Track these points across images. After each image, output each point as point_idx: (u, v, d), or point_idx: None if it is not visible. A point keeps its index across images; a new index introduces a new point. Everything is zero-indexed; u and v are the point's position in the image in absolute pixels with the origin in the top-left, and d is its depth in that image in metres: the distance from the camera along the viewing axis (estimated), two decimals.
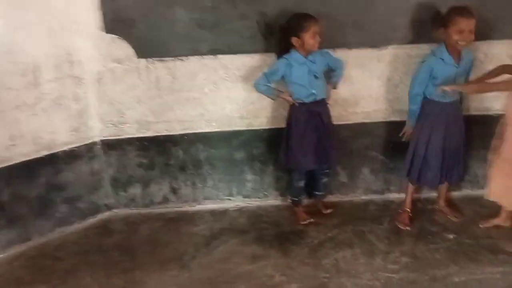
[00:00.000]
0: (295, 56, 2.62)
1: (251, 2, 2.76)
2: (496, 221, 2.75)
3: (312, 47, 2.57)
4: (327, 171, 2.98)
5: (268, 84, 2.70)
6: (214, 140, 3.07)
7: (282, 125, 2.90)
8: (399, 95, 2.95)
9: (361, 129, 3.05)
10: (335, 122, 2.92)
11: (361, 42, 2.85)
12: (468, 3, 2.52)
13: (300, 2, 2.71)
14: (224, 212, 3.11)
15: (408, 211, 2.89)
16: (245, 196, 3.21)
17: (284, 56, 2.64)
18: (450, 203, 3.01)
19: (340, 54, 2.84)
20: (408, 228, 2.79)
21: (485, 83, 2.55)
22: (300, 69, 2.63)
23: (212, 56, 2.89)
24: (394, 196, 3.15)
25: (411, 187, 2.89)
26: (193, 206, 3.20)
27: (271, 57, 2.82)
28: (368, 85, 2.94)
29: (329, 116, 2.82)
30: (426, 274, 2.36)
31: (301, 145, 2.72)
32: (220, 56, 2.89)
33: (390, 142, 3.07)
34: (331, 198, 3.16)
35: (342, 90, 2.93)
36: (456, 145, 2.72)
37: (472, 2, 2.54)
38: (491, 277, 2.31)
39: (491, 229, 2.72)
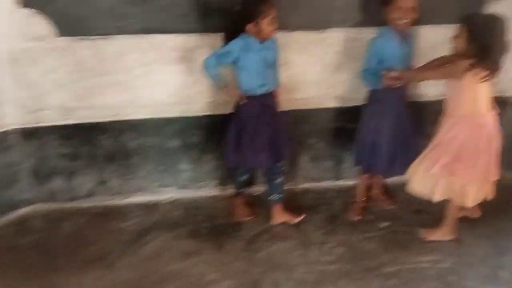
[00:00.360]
0: (251, 41, 2.43)
1: None
2: (464, 212, 2.70)
3: (270, 34, 2.44)
4: (282, 169, 2.77)
5: (216, 69, 2.51)
6: (146, 127, 2.91)
7: (221, 111, 2.81)
8: (340, 81, 2.93)
9: (301, 116, 3.01)
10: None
11: (301, 24, 2.77)
12: None
13: None
14: (156, 205, 2.99)
15: (359, 201, 2.91)
16: (180, 187, 3.09)
17: (241, 37, 2.43)
18: (384, 190, 3.05)
19: (279, 37, 2.75)
20: (359, 217, 2.82)
21: (426, 71, 2.54)
22: (255, 56, 2.46)
23: (142, 35, 2.70)
24: (330, 183, 3.17)
25: (363, 176, 2.90)
26: (123, 200, 3.03)
27: (210, 38, 2.68)
28: (308, 70, 2.89)
29: (278, 109, 2.71)
30: (360, 265, 2.39)
31: (253, 143, 2.53)
32: (151, 35, 2.71)
33: (330, 129, 3.06)
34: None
35: (282, 76, 2.85)
36: (407, 132, 2.73)
37: None
38: (422, 266, 2.38)
39: (424, 218, 2.79)
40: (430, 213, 2.81)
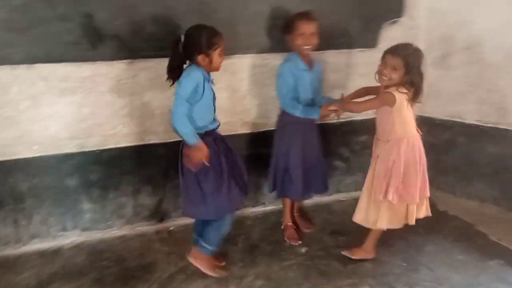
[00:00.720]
0: (203, 72, 2.21)
1: (72, 2, 2.43)
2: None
3: (219, 66, 2.29)
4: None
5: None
6: (38, 166, 2.65)
7: (123, 143, 2.67)
8: (248, 107, 2.91)
9: None
10: (174, 140, 2.77)
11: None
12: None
13: (133, 4, 2.48)
14: (57, 252, 2.71)
15: (290, 225, 2.89)
16: (83, 230, 2.84)
17: (194, 69, 2.19)
18: (301, 213, 3.07)
19: None
20: (299, 242, 2.79)
21: (360, 102, 2.50)
22: (208, 89, 2.25)
23: (26, 66, 2.48)
24: (248, 211, 3.12)
25: (287, 201, 2.89)
26: (17, 249, 2.71)
27: (106, 66, 2.56)
28: (217, 96, 2.82)
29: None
30: None
31: (221, 186, 2.26)
32: (37, 65, 2.50)
33: (244, 156, 3.00)
34: (182, 221, 2.97)
35: None
36: (317, 155, 2.78)
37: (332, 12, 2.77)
38: None
39: (340, 239, 2.83)
40: (346, 233, 2.87)
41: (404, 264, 2.58)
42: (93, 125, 2.66)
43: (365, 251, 2.62)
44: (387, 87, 2.38)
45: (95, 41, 2.52)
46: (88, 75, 2.56)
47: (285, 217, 2.91)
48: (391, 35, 3.09)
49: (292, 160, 2.69)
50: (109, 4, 2.48)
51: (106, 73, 2.57)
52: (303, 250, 2.73)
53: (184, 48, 2.21)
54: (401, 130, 2.39)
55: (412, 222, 2.48)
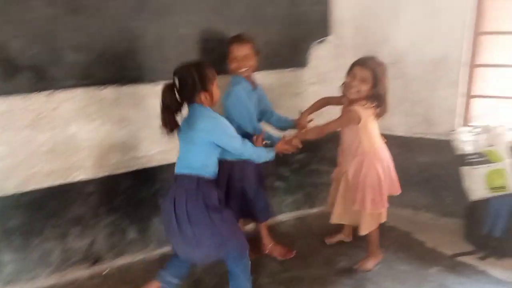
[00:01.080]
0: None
1: None
2: (340, 237, 3.01)
3: (218, 100, 2.24)
4: None
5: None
6: None
7: (45, 183, 2.49)
8: None
9: (146, 175, 2.79)
10: (114, 172, 2.64)
11: (134, 77, 2.61)
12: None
13: (51, 31, 2.31)
14: None
15: (272, 243, 2.89)
16: (5, 283, 2.55)
17: (206, 110, 2.17)
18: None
19: (109, 92, 2.54)
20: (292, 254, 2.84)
21: (323, 125, 2.48)
22: None
23: None
24: None
25: (262, 226, 2.86)
26: None
27: (21, 100, 2.36)
28: (147, 125, 2.71)
29: None
30: None
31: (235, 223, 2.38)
32: None
33: None
34: (118, 262, 2.79)
35: (118, 134, 2.63)
36: (262, 175, 2.75)
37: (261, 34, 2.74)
38: None
39: (286, 263, 2.82)
40: (292, 258, 2.86)
41: (350, 281, 2.61)
42: (10, 165, 2.42)
43: (374, 256, 2.72)
44: (353, 100, 2.43)
45: (9, 72, 2.30)
46: (2, 111, 2.32)
47: (264, 241, 2.91)
48: (320, 54, 3.18)
49: (246, 182, 2.65)
50: (24, 32, 2.28)
51: (23, 107, 2.36)
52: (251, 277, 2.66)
53: (181, 90, 2.13)
54: (368, 145, 2.49)
55: (384, 219, 2.65)
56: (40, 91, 2.39)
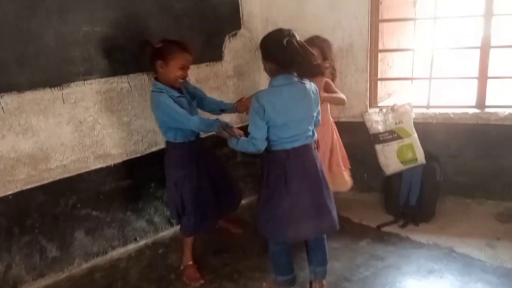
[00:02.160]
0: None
1: None
2: None
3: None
4: None
5: None
6: None
7: None
8: (98, 138, 2.48)
9: (62, 187, 2.41)
10: (24, 188, 2.26)
11: (37, 81, 2.21)
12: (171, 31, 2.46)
13: None
14: None
15: (191, 264, 2.44)
16: None
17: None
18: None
19: (8, 100, 2.13)
20: (201, 281, 2.36)
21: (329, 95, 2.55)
22: None
23: None
24: (118, 252, 2.66)
25: (188, 240, 2.44)
26: None
27: None
28: (57, 132, 2.33)
29: None
30: None
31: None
32: None
33: (100, 193, 2.55)
34: (41, 283, 2.38)
35: (24, 145, 2.22)
36: (218, 174, 2.46)
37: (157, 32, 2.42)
38: None
39: (225, 257, 2.59)
40: (229, 249, 2.66)
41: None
42: None
43: None
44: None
45: None
46: None
47: (185, 256, 2.46)
48: (234, 47, 3.00)
49: (198, 192, 2.32)
50: None
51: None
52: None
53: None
54: (329, 114, 2.61)
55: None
56: None
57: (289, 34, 1.84)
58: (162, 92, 2.15)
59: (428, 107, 2.98)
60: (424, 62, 3.35)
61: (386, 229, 2.79)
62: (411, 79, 3.72)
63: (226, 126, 2.15)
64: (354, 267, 2.40)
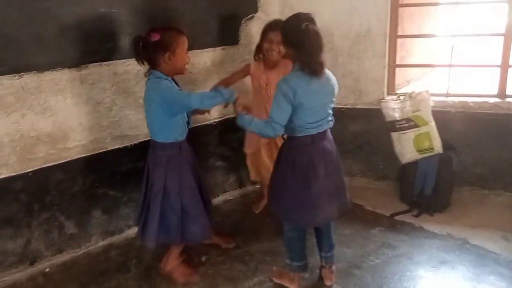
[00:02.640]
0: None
1: None
2: (265, 202, 2.73)
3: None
4: None
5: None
6: None
7: None
8: (115, 119, 2.48)
9: (80, 166, 2.43)
10: (43, 166, 2.28)
11: (54, 62, 2.21)
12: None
13: None
14: None
15: (180, 263, 2.29)
16: None
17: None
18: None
19: (27, 80, 2.14)
20: (196, 274, 2.27)
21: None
22: None
23: None
24: (134, 231, 2.68)
25: (180, 245, 2.25)
26: None
27: None
28: (75, 113, 2.34)
29: None
30: None
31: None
32: None
33: (121, 173, 2.57)
34: (59, 259, 2.42)
35: (43, 124, 2.24)
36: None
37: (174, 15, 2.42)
38: None
39: (238, 239, 2.58)
40: (242, 232, 2.65)
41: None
42: None
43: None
44: (275, 61, 2.49)
45: None
46: None
47: (172, 260, 2.25)
48: (250, 31, 2.94)
49: (187, 197, 2.10)
50: None
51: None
52: (203, 258, 2.42)
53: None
54: None
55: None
56: None
57: (307, 19, 1.78)
58: (167, 79, 1.99)
59: (447, 95, 2.88)
60: (445, 49, 3.23)
61: (399, 217, 2.73)
62: (430, 66, 3.60)
63: (231, 96, 1.99)
64: (365, 255, 2.37)
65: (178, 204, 2.06)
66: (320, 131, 1.90)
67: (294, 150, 1.92)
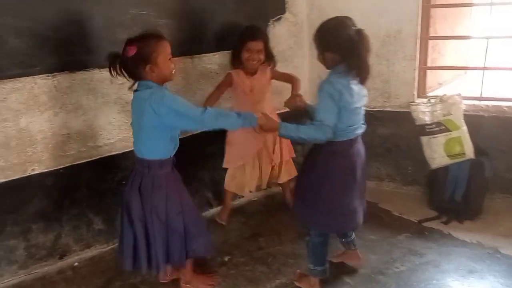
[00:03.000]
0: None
1: None
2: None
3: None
4: None
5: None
6: None
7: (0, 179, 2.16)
8: None
9: (109, 164, 2.49)
10: (73, 163, 2.36)
11: (86, 62, 2.29)
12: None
13: None
14: None
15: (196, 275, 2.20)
16: None
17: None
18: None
19: (60, 80, 2.22)
20: (213, 281, 2.22)
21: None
22: None
23: None
24: None
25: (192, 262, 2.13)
26: None
27: None
28: (105, 112, 2.41)
29: None
30: None
31: None
32: None
33: None
34: (87, 254, 2.50)
35: (74, 123, 2.32)
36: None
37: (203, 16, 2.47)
38: None
39: (261, 241, 2.59)
40: (265, 234, 2.66)
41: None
42: None
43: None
44: (256, 69, 2.56)
45: None
46: None
47: (188, 275, 2.14)
48: (277, 32, 2.94)
49: (189, 214, 1.98)
50: None
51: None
52: (226, 259, 2.44)
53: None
54: (273, 103, 2.69)
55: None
56: None
57: (353, 23, 1.80)
58: (165, 88, 1.86)
59: (480, 98, 2.79)
60: (479, 51, 3.12)
61: (427, 224, 2.66)
62: (463, 68, 3.49)
63: (254, 121, 1.86)
64: (390, 261, 2.32)
65: (181, 225, 1.92)
66: (357, 135, 1.88)
67: (334, 155, 1.87)
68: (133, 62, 1.75)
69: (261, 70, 2.58)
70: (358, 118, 1.88)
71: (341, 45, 1.78)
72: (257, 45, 2.44)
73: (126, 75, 1.81)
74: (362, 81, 1.85)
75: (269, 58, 2.58)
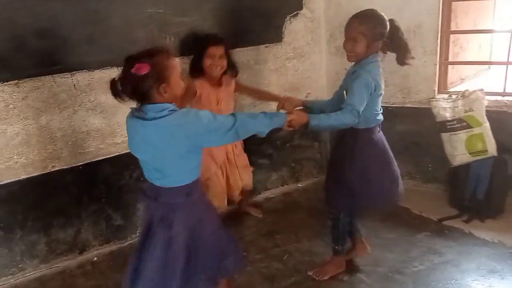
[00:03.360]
0: None
1: None
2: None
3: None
4: None
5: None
6: None
7: (22, 175, 2.24)
8: None
9: (126, 161, 2.54)
10: (92, 160, 2.42)
11: (104, 61, 2.33)
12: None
13: (9, 18, 2.03)
14: None
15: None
16: None
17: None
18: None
19: (79, 78, 2.27)
20: None
21: None
22: None
23: None
24: None
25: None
26: None
27: None
28: (123, 110, 2.37)
29: None
30: None
31: None
32: None
33: None
34: (106, 249, 2.55)
35: (93, 120, 2.37)
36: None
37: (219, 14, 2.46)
38: None
39: (277, 238, 2.59)
40: (281, 231, 2.66)
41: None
42: None
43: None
44: (219, 76, 2.48)
45: None
46: None
47: None
48: (294, 28, 2.93)
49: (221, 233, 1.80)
50: None
51: None
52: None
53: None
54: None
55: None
56: (5, 82, 2.11)
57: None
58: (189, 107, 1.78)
59: (503, 94, 2.72)
60: (502, 45, 3.04)
61: (448, 223, 2.61)
62: (485, 63, 3.41)
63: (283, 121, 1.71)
64: (408, 260, 2.29)
65: (216, 246, 1.70)
66: (382, 119, 2.02)
67: (369, 140, 1.99)
68: (144, 82, 1.49)
69: (226, 81, 2.48)
70: (380, 103, 2.00)
71: (384, 32, 1.91)
72: (219, 50, 2.35)
73: (136, 97, 1.57)
74: (403, 62, 1.97)
75: (232, 67, 2.48)
